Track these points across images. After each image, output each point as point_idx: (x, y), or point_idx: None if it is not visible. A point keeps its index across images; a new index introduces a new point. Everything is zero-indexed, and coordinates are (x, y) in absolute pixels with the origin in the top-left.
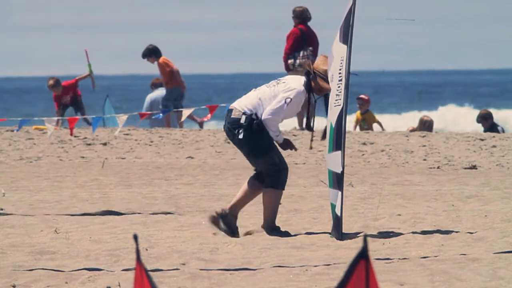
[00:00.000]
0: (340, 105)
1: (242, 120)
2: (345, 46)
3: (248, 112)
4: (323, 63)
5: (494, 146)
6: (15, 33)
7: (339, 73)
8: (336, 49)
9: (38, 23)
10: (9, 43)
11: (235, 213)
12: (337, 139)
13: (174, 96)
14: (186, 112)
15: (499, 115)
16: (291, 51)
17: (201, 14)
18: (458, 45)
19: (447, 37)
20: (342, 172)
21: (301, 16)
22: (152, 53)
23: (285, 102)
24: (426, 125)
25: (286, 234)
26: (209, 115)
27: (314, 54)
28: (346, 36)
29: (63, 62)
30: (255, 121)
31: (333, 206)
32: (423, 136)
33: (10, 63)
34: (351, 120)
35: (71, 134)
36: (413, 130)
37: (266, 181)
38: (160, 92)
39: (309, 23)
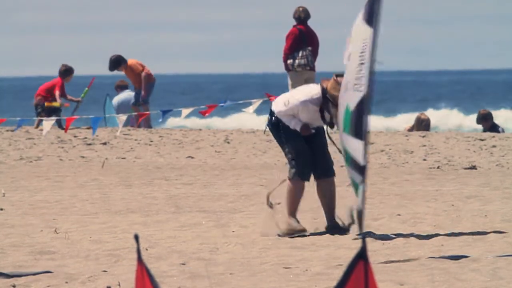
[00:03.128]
0: (361, 91)
1: (268, 116)
2: (369, 28)
3: (273, 109)
4: (334, 88)
5: (494, 146)
6: (15, 33)
7: (360, 56)
8: (358, 28)
9: (38, 23)
10: (9, 43)
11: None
12: (357, 127)
13: (152, 90)
14: (185, 111)
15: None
16: (291, 51)
17: (201, 14)
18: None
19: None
20: (365, 166)
21: (298, 17)
22: (121, 61)
23: (284, 103)
24: (423, 124)
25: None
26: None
27: (313, 54)
28: (371, 16)
29: (63, 62)
30: (273, 116)
31: (354, 184)
32: (423, 136)
33: (10, 63)
34: None
35: (65, 132)
36: (410, 129)
37: None
38: (127, 94)
39: (310, 23)
